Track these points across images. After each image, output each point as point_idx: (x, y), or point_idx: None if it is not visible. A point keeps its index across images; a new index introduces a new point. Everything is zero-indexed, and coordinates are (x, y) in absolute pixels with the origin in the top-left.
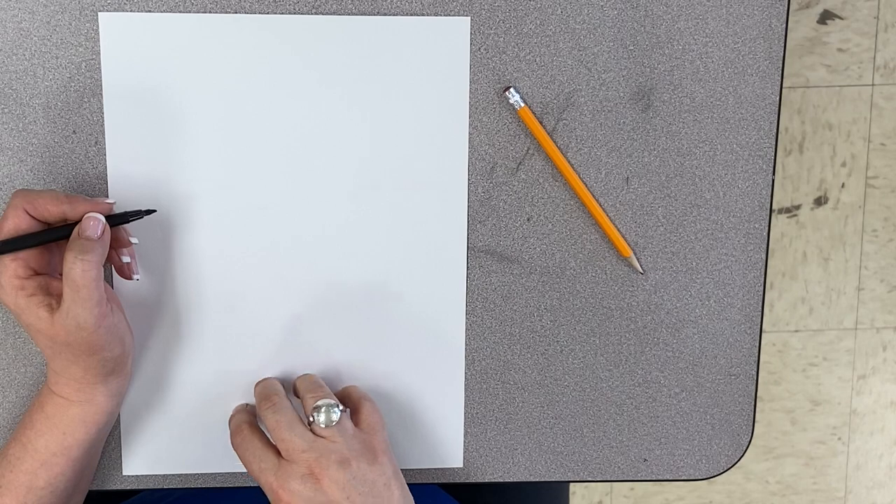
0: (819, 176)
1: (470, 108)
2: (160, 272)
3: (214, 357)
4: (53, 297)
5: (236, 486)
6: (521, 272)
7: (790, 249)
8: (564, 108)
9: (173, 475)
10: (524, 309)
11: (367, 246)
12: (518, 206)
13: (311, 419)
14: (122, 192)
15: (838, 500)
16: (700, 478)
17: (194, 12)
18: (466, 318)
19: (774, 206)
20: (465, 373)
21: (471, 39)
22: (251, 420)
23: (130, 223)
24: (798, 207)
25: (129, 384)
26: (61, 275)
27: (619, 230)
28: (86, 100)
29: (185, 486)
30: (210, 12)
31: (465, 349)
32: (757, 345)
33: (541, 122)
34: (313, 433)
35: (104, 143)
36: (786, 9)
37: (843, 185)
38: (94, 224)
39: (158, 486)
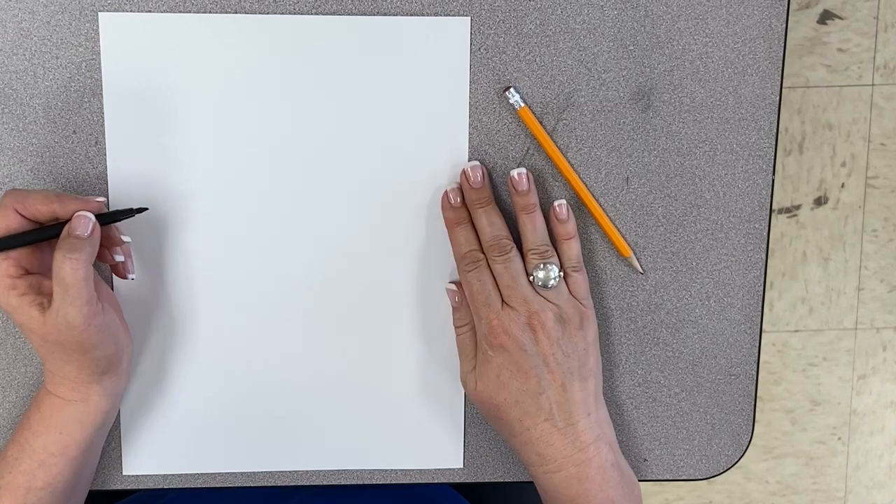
0: (819, 176)
1: (470, 108)
2: (160, 272)
3: (214, 357)
4: (45, 297)
5: (236, 485)
6: None
7: (790, 249)
8: (564, 108)
9: (173, 475)
10: None
11: (367, 245)
12: None
13: (532, 276)
14: (122, 191)
15: (838, 500)
16: (700, 478)
17: (194, 12)
18: None
19: (774, 206)
20: None
21: (471, 39)
22: (485, 258)
23: (128, 221)
24: (798, 207)
25: (126, 383)
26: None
27: (619, 230)
28: (86, 100)
29: (185, 486)
30: (210, 12)
31: None
32: (757, 345)
33: (541, 122)
34: (533, 289)
35: (104, 143)
36: (786, 9)
37: (843, 185)
38: (84, 222)
39: (158, 486)
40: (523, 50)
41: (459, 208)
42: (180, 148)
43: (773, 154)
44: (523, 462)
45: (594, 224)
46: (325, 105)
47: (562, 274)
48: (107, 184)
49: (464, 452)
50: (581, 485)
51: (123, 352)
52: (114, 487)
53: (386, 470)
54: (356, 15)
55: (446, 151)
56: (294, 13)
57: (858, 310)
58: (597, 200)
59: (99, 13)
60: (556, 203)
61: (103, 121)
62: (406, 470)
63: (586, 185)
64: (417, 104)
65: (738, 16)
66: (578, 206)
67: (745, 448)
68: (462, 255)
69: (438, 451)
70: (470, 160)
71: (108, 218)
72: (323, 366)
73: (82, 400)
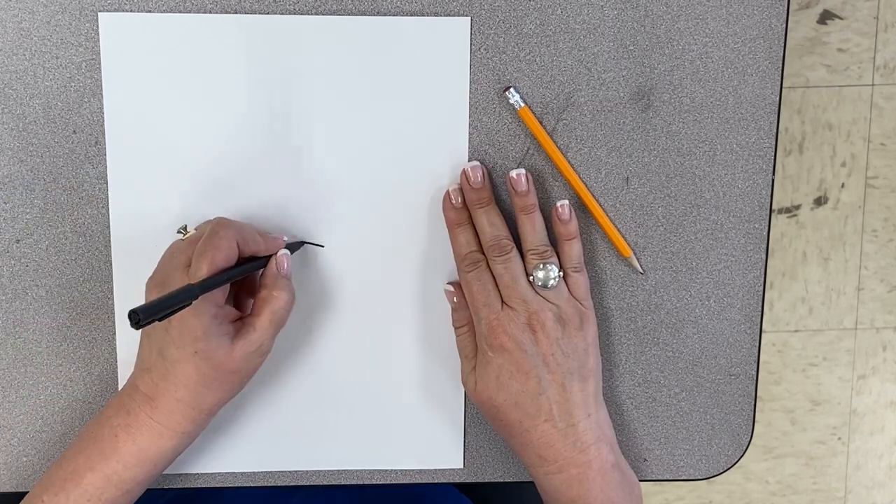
0: (819, 176)
1: (470, 108)
2: None
3: None
4: (233, 326)
5: (236, 485)
6: None
7: (790, 249)
8: (564, 108)
9: (173, 475)
10: None
11: (367, 245)
12: None
13: (531, 276)
14: (122, 192)
15: (838, 500)
16: (700, 478)
17: (194, 12)
18: None
19: (774, 206)
20: None
21: (471, 39)
22: (485, 258)
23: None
24: (798, 207)
25: None
26: (234, 305)
27: (619, 230)
28: (86, 100)
29: (185, 486)
30: (210, 12)
31: None
32: (757, 345)
33: (541, 122)
34: (533, 289)
35: (104, 143)
36: (786, 9)
37: (843, 185)
38: (288, 261)
39: (158, 486)
40: (523, 50)
41: (461, 209)
42: (180, 148)
43: (773, 154)
44: (524, 463)
45: (594, 224)
46: (325, 105)
47: (561, 274)
48: (106, 184)
49: (464, 452)
50: (582, 486)
51: None
52: None
53: (386, 470)
54: (356, 15)
55: (446, 151)
56: (294, 13)
57: (858, 310)
58: (597, 200)
59: (99, 13)
60: (558, 203)
61: (103, 121)
62: (406, 470)
63: (586, 185)
64: (417, 104)
65: (738, 16)
66: (578, 206)
67: (745, 448)
68: (462, 256)
69: (438, 451)
70: (470, 160)
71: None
72: (323, 366)
73: (189, 433)
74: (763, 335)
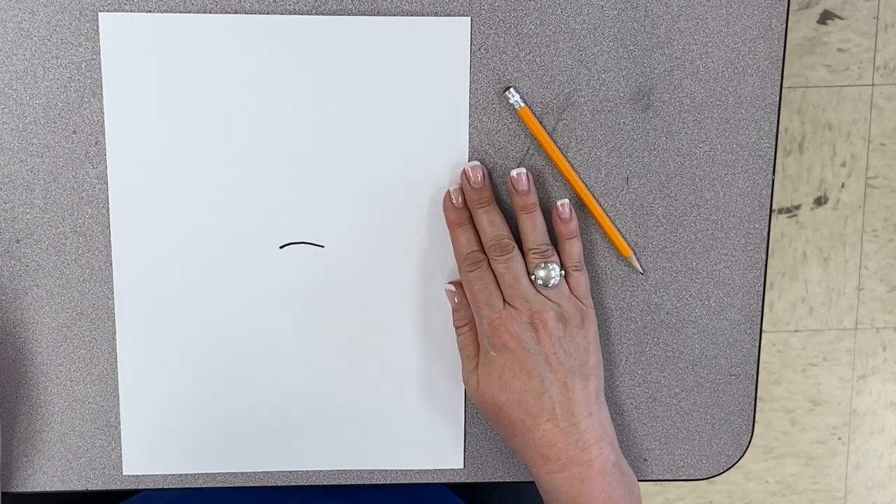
0: (819, 176)
1: (470, 108)
2: (160, 272)
3: (214, 357)
4: None
5: (236, 485)
6: None
7: (790, 249)
8: (564, 108)
9: (173, 475)
10: None
11: (367, 245)
12: None
13: (533, 275)
14: (122, 192)
15: (838, 500)
16: (700, 478)
17: (194, 12)
18: None
19: (774, 206)
20: None
21: (471, 39)
22: (486, 258)
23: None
24: (798, 207)
25: None
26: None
27: (619, 230)
28: (86, 100)
29: (185, 486)
30: (210, 12)
31: None
32: (757, 345)
33: (541, 122)
34: (534, 288)
35: (104, 143)
36: (786, 9)
37: (843, 185)
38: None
39: (158, 486)
40: (523, 50)
41: (462, 209)
42: (180, 148)
43: (773, 154)
44: (525, 463)
45: (594, 224)
46: (325, 105)
47: (562, 273)
48: (106, 184)
49: (464, 453)
50: (583, 485)
51: None
52: (114, 487)
53: (386, 470)
54: (356, 15)
55: (446, 151)
56: (294, 13)
57: (858, 310)
58: (597, 200)
59: (99, 13)
60: (559, 202)
61: (103, 121)
62: (406, 470)
63: (586, 185)
64: (417, 104)
65: (738, 16)
66: (578, 206)
67: (745, 448)
68: (464, 256)
69: (438, 451)
70: (470, 160)
71: None
72: (323, 366)
73: None
74: (763, 335)
